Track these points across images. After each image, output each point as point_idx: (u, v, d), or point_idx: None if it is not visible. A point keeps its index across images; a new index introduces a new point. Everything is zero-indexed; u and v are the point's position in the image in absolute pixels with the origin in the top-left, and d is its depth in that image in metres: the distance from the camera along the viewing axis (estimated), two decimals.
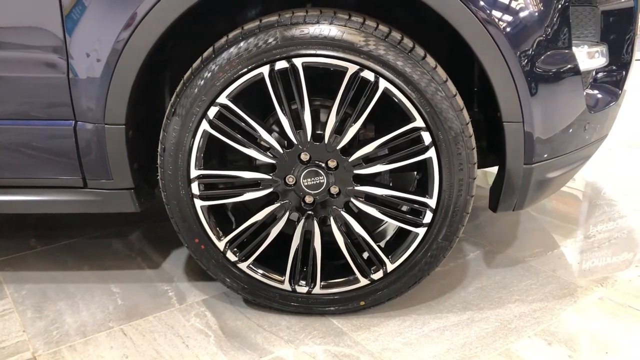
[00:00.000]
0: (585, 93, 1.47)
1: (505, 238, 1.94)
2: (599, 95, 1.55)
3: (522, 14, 1.31)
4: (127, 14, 1.29)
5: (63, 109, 1.39)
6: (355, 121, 1.33)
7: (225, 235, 1.44)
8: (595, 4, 1.48)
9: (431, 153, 1.33)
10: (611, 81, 1.59)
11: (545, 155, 1.42)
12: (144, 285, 1.70)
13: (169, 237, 1.92)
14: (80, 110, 1.39)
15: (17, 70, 1.39)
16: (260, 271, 1.47)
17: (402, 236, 1.45)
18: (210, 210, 1.44)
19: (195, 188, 1.40)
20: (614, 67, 1.57)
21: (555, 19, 1.35)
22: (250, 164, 1.50)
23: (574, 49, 1.39)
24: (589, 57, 1.45)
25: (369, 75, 1.29)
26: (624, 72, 1.59)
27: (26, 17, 1.34)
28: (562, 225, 2.05)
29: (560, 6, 1.35)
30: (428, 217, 1.38)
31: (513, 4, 1.30)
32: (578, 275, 1.70)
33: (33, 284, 1.71)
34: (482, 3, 1.27)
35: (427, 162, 1.34)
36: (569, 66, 1.39)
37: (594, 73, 1.57)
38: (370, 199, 1.41)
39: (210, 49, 1.33)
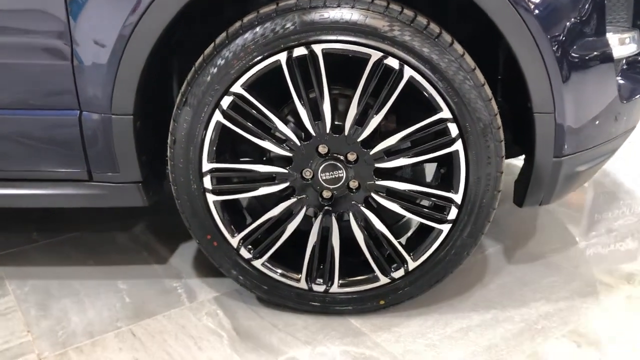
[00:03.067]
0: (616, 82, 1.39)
1: (523, 232, 1.88)
2: (630, 85, 1.48)
3: None
4: None
5: (67, 98, 1.32)
6: (377, 112, 1.25)
7: (239, 231, 1.37)
8: None
9: (458, 146, 1.26)
10: None
11: (576, 148, 1.35)
12: (151, 281, 1.63)
13: (175, 230, 1.84)
14: (86, 99, 1.31)
15: (18, 56, 1.31)
16: (276, 269, 1.40)
17: (424, 232, 1.38)
18: (223, 205, 1.37)
19: (207, 182, 1.33)
20: None
21: (589, 3, 1.27)
22: (265, 156, 1.42)
23: (607, 34, 1.32)
24: (622, 43, 1.38)
25: (393, 62, 1.21)
26: None
27: None
28: (581, 218, 1.98)
29: None
30: (453, 214, 1.32)
31: None
32: (602, 272, 1.64)
33: (36, 279, 1.64)
34: None
35: (453, 155, 1.27)
36: (603, 53, 1.31)
37: (624, 61, 1.50)
38: (391, 194, 1.34)
39: (224, 34, 1.25)
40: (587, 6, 1.27)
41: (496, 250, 1.75)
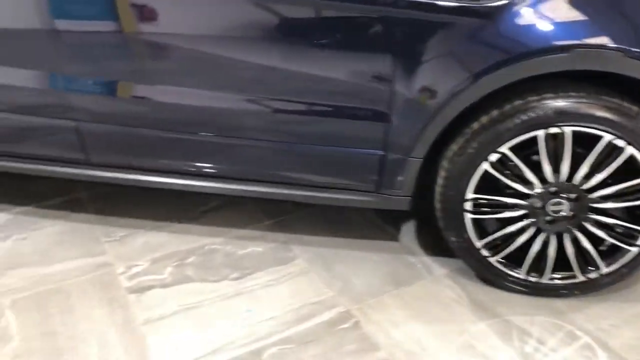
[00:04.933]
0: None
1: None
2: None
3: None
4: (466, 75, 1.74)
5: (377, 144, 1.93)
6: (600, 172, 1.81)
7: (483, 238, 2.00)
8: None
9: None
10: None
11: None
12: (394, 256, 2.29)
13: (394, 213, 2.34)
14: (393, 145, 1.92)
15: (345, 115, 1.92)
16: (505, 263, 2.03)
17: (617, 247, 1.95)
18: (474, 220, 1.98)
19: (467, 205, 1.94)
20: None
21: None
22: (510, 190, 1.99)
23: None
24: None
25: (619, 142, 1.75)
26: None
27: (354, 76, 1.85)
28: None
29: None
30: None
31: None
32: None
33: (310, 246, 2.32)
34: None
35: None
36: None
37: None
38: (598, 224, 1.92)
39: (498, 112, 1.80)
40: None
41: None
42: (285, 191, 2.14)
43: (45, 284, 2.11)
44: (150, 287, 2.11)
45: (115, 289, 2.10)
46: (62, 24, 1.89)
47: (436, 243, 2.32)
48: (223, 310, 2.02)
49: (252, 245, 2.35)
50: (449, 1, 1.69)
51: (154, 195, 2.56)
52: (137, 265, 2.22)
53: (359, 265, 2.24)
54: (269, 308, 2.03)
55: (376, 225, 2.48)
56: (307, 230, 2.43)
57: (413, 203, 2.09)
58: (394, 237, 2.41)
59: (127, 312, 1.99)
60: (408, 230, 2.45)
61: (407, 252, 2.32)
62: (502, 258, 2.02)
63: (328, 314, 2.01)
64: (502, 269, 2.04)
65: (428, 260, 2.27)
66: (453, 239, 2.04)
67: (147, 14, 1.85)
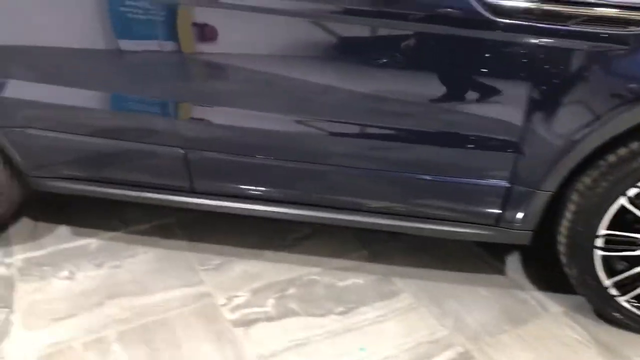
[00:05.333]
0: None
1: None
2: None
3: None
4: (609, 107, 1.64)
5: (505, 175, 1.84)
6: None
7: (612, 277, 1.89)
8: None
9: None
10: None
11: None
12: (502, 291, 2.18)
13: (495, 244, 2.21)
14: (520, 178, 1.83)
15: (470, 143, 1.84)
16: (635, 303, 1.92)
17: None
18: (603, 257, 1.88)
19: (598, 242, 1.84)
20: None
21: None
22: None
23: None
24: None
25: None
26: None
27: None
28: None
29: None
30: None
31: None
32: None
33: (414, 279, 2.23)
34: None
35: None
36: None
37: None
38: None
39: (639, 145, 1.71)
40: None
41: None
42: (395, 222, 2.06)
43: (149, 315, 2.05)
44: (255, 321, 2.03)
45: (220, 322, 2.03)
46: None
47: (544, 277, 2.23)
48: (335, 347, 1.94)
49: (351, 276, 2.27)
50: (592, 29, 1.61)
51: (241, 221, 2.47)
52: (237, 296, 2.15)
53: (469, 300, 2.14)
54: (382, 346, 1.94)
55: (479, 257, 2.38)
56: (407, 262, 2.34)
57: (535, 237, 2.00)
58: (500, 271, 2.30)
59: (237, 348, 1.92)
60: (513, 263, 2.35)
61: (516, 287, 2.21)
62: (632, 297, 1.91)
63: (447, 354, 1.91)
64: (631, 309, 1.93)
65: (540, 295, 2.17)
66: (577, 275, 1.94)
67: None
